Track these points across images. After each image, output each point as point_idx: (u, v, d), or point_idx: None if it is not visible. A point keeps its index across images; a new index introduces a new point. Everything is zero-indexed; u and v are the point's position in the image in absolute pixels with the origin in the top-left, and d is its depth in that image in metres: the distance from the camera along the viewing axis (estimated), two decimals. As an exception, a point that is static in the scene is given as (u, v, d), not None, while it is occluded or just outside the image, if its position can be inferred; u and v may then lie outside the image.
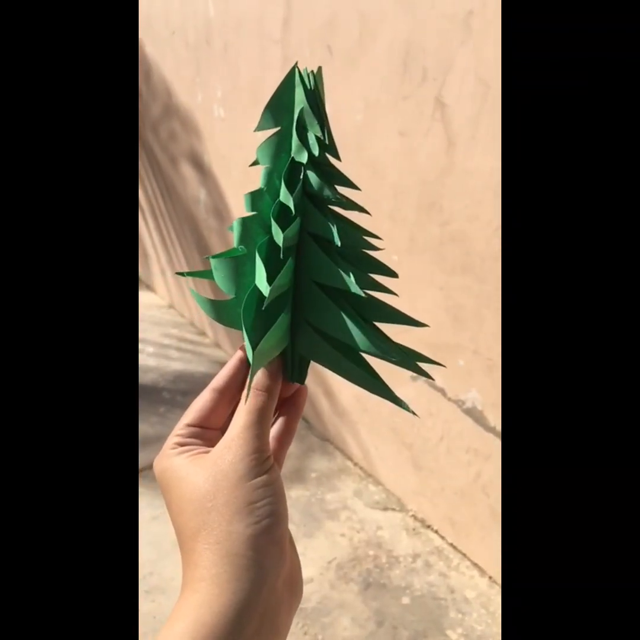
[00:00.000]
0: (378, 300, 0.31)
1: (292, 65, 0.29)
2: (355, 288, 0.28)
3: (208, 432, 0.31)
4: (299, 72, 0.28)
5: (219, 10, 1.32)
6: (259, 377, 0.30)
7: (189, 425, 0.30)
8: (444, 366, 0.30)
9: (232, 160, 1.47)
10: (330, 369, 0.31)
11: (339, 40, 1.00)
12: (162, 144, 1.82)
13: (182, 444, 0.30)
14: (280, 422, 0.34)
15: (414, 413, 0.29)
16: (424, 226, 0.94)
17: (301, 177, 0.29)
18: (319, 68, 0.28)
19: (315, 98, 0.28)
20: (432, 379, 0.29)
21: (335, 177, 0.30)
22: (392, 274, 0.30)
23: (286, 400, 0.34)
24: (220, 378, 0.31)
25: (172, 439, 0.30)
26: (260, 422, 0.29)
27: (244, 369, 0.31)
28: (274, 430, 0.34)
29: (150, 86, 1.76)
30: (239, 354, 0.31)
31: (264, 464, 0.28)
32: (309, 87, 0.28)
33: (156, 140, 1.85)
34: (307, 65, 0.30)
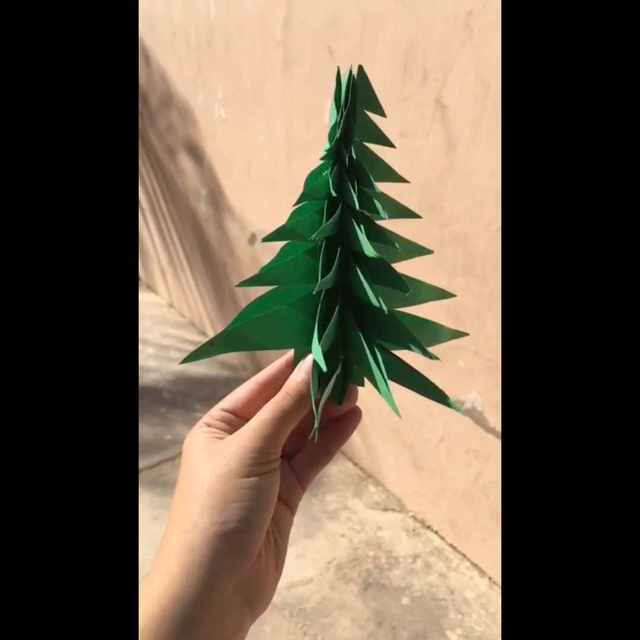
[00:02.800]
0: (397, 321, 0.30)
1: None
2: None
3: (238, 420, 0.30)
4: (339, 72, 0.28)
5: (220, 11, 1.32)
6: (294, 380, 0.29)
7: (223, 409, 0.30)
8: (461, 412, 0.29)
9: (233, 160, 1.47)
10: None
11: (340, 41, 1.00)
12: (163, 143, 1.82)
13: (209, 425, 0.30)
14: (320, 441, 0.32)
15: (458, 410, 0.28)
16: (425, 227, 0.94)
17: (325, 173, 0.29)
18: (359, 66, 0.28)
19: (340, 95, 0.28)
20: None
21: (357, 174, 0.29)
22: (405, 288, 0.29)
23: (333, 421, 0.33)
24: (264, 372, 0.31)
25: (204, 418, 0.30)
26: (275, 424, 0.28)
27: (288, 371, 0.31)
28: (312, 447, 0.32)
29: (152, 86, 1.77)
30: (288, 354, 0.31)
31: (262, 466, 0.27)
32: (339, 85, 0.28)
33: (157, 140, 1.86)
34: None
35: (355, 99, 0.28)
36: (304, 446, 0.33)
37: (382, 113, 0.30)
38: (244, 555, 0.26)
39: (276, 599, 1.00)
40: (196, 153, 1.63)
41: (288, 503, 0.31)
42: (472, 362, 0.95)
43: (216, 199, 1.59)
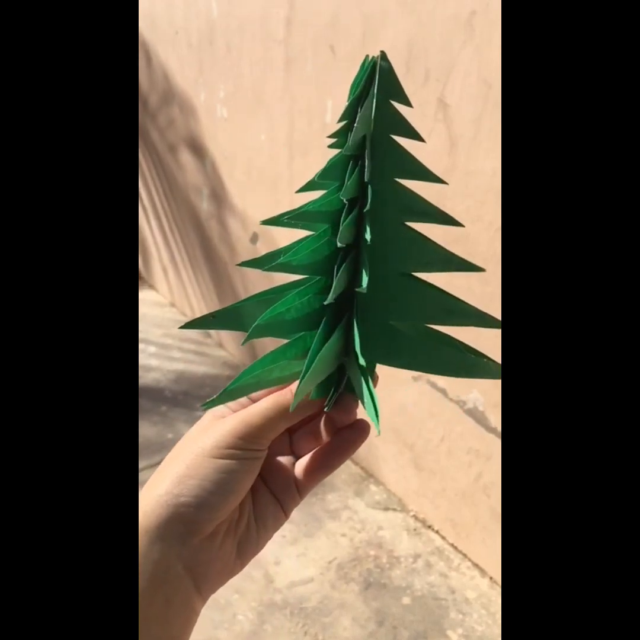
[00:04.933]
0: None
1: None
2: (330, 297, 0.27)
3: None
4: (365, 60, 0.26)
5: (222, 10, 1.32)
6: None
7: (248, 397, 0.31)
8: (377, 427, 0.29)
9: (235, 159, 1.47)
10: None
11: (342, 40, 1.00)
12: (165, 143, 1.82)
13: (229, 406, 0.30)
14: (325, 449, 0.31)
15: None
16: (427, 227, 0.94)
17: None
18: (381, 52, 0.26)
19: (354, 85, 0.26)
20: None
21: (365, 166, 0.27)
22: (360, 285, 0.28)
23: (341, 431, 0.32)
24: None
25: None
26: (266, 416, 0.28)
27: None
28: (316, 455, 0.31)
29: (154, 85, 1.77)
30: None
31: (235, 451, 0.27)
32: (360, 72, 0.26)
33: (159, 139, 1.86)
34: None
35: (370, 85, 0.26)
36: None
37: (407, 102, 0.27)
38: (190, 530, 0.26)
39: (277, 597, 1.00)
40: (198, 152, 1.63)
41: (281, 502, 0.31)
42: (473, 362, 0.95)
43: (218, 197, 1.59)
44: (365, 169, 0.26)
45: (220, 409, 0.30)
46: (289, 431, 0.33)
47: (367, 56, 0.26)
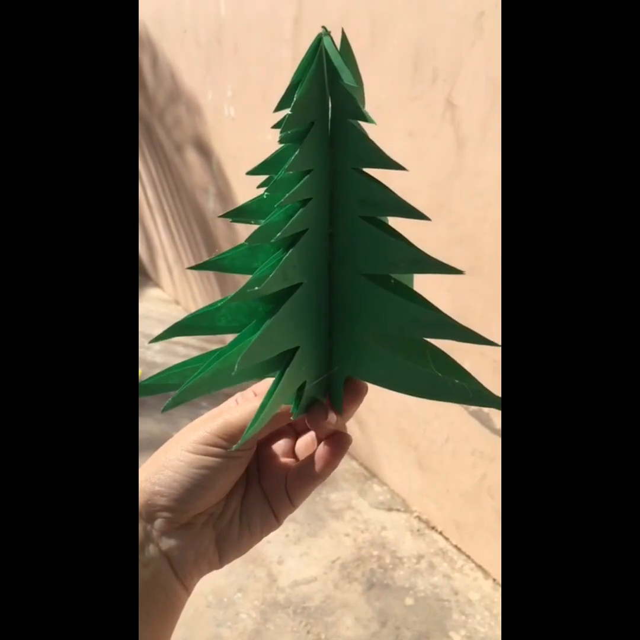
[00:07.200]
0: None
1: None
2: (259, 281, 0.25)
3: None
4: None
5: (230, 10, 1.32)
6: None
7: (253, 391, 0.31)
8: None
9: (241, 159, 1.48)
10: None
11: (350, 40, 1.00)
12: (172, 141, 1.83)
13: (237, 400, 0.31)
14: (309, 458, 0.30)
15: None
16: (433, 227, 0.93)
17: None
18: (323, 28, 0.24)
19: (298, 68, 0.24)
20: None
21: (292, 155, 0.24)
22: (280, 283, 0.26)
23: (323, 442, 0.30)
24: None
25: (238, 393, 0.31)
26: (247, 420, 0.27)
27: None
28: (304, 462, 0.30)
29: (161, 84, 1.77)
30: None
31: (213, 450, 0.27)
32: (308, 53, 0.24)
33: (166, 138, 1.86)
34: None
35: (309, 67, 0.24)
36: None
37: (355, 81, 0.25)
38: (162, 517, 0.27)
39: (280, 596, 1.00)
40: (205, 151, 1.63)
41: (272, 505, 0.30)
42: (477, 363, 0.94)
43: (224, 197, 1.60)
44: (296, 160, 0.24)
45: (231, 402, 0.30)
46: (296, 433, 0.32)
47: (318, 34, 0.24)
